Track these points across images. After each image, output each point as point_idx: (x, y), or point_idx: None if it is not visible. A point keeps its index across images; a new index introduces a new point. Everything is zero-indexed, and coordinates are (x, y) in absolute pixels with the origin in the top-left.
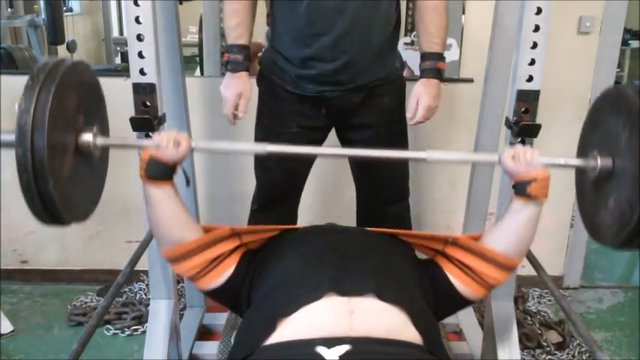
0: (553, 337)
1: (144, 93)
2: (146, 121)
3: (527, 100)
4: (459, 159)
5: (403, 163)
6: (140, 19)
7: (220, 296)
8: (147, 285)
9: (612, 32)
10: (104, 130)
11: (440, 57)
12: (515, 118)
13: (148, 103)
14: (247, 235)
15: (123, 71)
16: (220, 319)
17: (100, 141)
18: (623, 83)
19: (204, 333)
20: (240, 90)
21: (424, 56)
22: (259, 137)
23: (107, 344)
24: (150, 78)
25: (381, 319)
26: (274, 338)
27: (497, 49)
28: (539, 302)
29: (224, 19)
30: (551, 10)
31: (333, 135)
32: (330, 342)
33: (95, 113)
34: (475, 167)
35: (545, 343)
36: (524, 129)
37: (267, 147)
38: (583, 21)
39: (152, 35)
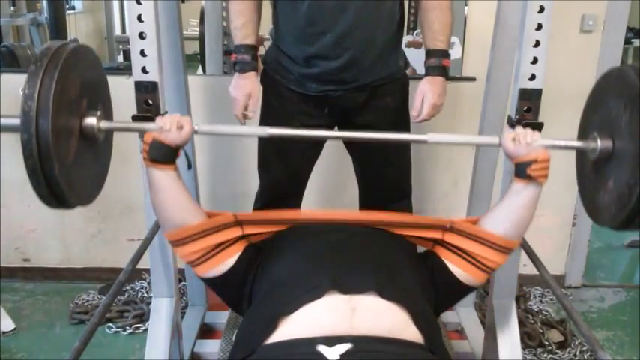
0: (555, 336)
1: (146, 91)
2: (148, 120)
3: (530, 99)
4: (460, 141)
5: (405, 162)
6: (142, 18)
7: (220, 287)
8: (149, 283)
9: (615, 31)
10: (108, 114)
11: (445, 54)
12: (517, 117)
13: (150, 102)
14: (249, 226)
15: (125, 69)
16: (222, 317)
17: (104, 125)
18: (625, 64)
19: (206, 331)
20: (249, 90)
21: (429, 53)
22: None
23: (109, 342)
24: (152, 76)
25: (383, 317)
26: (275, 337)
27: (499, 48)
28: (541, 301)
29: (230, 19)
30: (554, 9)
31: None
32: (331, 340)
33: (99, 97)
34: (477, 165)
35: (546, 342)
36: (527, 127)
37: (269, 130)
38: (586, 19)
39: (154, 33)
